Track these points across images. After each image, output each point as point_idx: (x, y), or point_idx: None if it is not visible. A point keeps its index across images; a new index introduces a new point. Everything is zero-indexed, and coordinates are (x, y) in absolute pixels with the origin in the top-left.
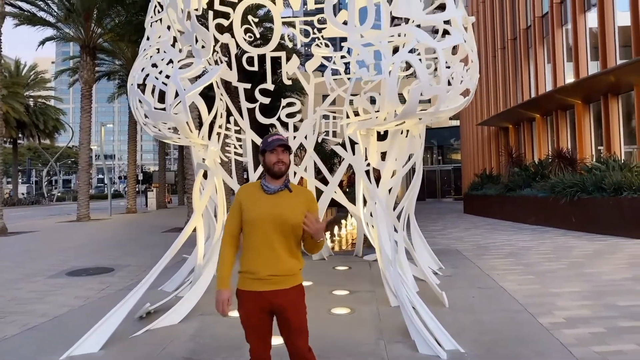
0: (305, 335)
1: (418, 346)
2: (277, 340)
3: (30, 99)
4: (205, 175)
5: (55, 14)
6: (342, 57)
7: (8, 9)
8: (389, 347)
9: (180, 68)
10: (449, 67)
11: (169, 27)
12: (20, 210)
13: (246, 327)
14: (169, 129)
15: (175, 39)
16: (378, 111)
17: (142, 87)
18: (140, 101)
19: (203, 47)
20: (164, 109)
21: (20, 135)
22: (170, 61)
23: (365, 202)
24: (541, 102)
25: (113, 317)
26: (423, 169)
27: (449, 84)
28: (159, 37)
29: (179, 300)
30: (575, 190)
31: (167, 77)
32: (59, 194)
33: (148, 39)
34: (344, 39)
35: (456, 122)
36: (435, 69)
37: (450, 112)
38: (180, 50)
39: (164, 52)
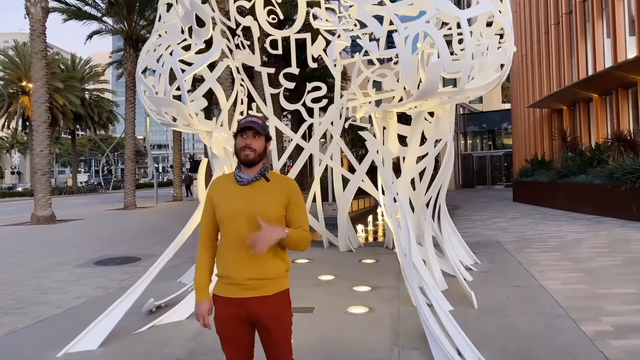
0: (289, 351)
1: (434, 354)
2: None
3: (87, 92)
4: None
5: (99, 7)
6: (349, 30)
7: (55, 4)
8: (402, 355)
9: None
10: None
11: None
12: (78, 198)
13: (221, 337)
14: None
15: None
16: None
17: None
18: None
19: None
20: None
21: (77, 126)
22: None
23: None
24: (599, 80)
25: (113, 313)
26: (473, 155)
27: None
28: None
29: (188, 295)
30: (637, 177)
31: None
32: (115, 182)
33: (160, 19)
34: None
35: (508, 105)
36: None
37: (479, 91)
38: (182, 32)
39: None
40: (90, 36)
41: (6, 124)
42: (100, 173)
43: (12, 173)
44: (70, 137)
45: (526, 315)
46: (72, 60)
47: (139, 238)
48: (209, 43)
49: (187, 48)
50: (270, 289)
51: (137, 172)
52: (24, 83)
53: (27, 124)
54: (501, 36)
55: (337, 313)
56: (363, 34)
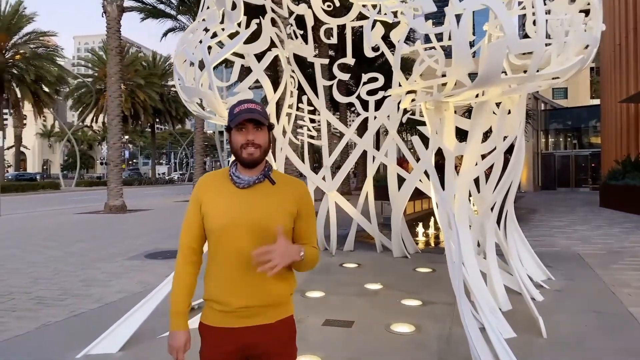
0: None
1: None
2: None
3: (166, 88)
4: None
5: (172, 5)
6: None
7: (131, 3)
8: None
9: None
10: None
11: None
12: (155, 188)
13: None
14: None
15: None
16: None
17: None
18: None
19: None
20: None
21: (157, 120)
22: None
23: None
24: None
25: (136, 314)
26: (555, 154)
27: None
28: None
29: None
30: None
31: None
32: (190, 174)
33: (203, 4)
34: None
35: (597, 101)
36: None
37: (558, 77)
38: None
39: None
40: (165, 34)
41: (94, 118)
42: (178, 165)
43: (101, 164)
44: (150, 130)
45: (608, 351)
46: (153, 57)
47: None
48: (258, 33)
49: (230, 35)
50: (272, 317)
51: (214, 165)
52: None
53: None
54: (587, 13)
55: (379, 330)
56: (409, 9)
